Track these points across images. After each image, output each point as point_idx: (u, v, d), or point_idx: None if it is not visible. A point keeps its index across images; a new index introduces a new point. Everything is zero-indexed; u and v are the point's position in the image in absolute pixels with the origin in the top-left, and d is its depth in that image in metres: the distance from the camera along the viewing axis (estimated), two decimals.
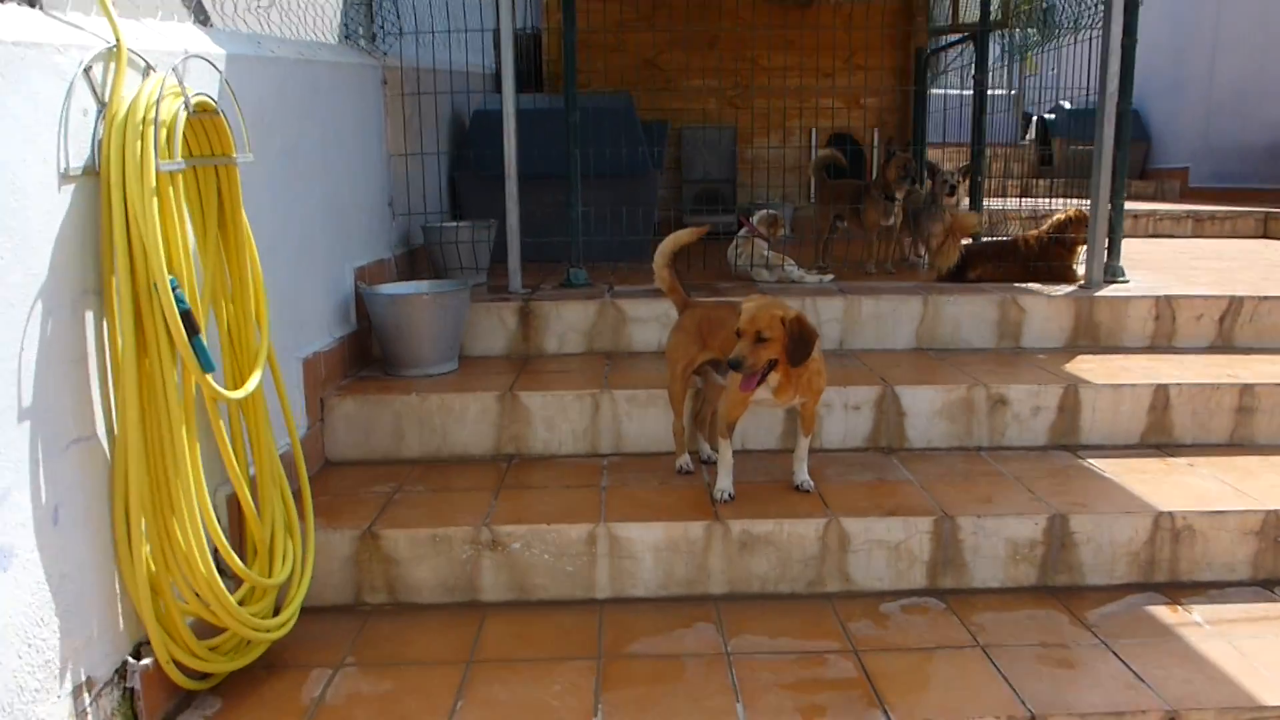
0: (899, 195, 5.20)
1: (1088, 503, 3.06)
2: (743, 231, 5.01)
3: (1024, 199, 7.49)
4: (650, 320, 4.22)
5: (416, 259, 5.07)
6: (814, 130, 8.06)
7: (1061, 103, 11.55)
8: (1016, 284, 4.62)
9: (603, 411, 3.59)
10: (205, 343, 2.25)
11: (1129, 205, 5.47)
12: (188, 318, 2.18)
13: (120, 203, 2.12)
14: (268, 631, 2.56)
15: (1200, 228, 7.81)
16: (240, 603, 2.49)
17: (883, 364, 3.99)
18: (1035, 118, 12.71)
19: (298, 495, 2.88)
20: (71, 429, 2.11)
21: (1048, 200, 6.50)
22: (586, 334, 4.24)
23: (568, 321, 4.22)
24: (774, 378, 2.94)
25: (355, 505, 3.15)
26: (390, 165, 4.67)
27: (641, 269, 5.25)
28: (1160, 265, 5.55)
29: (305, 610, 2.83)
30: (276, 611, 2.69)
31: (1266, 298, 4.27)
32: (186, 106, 2.28)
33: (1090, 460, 3.49)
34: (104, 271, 2.18)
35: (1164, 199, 10.49)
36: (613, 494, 3.19)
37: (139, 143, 2.12)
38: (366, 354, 4.15)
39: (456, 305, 3.91)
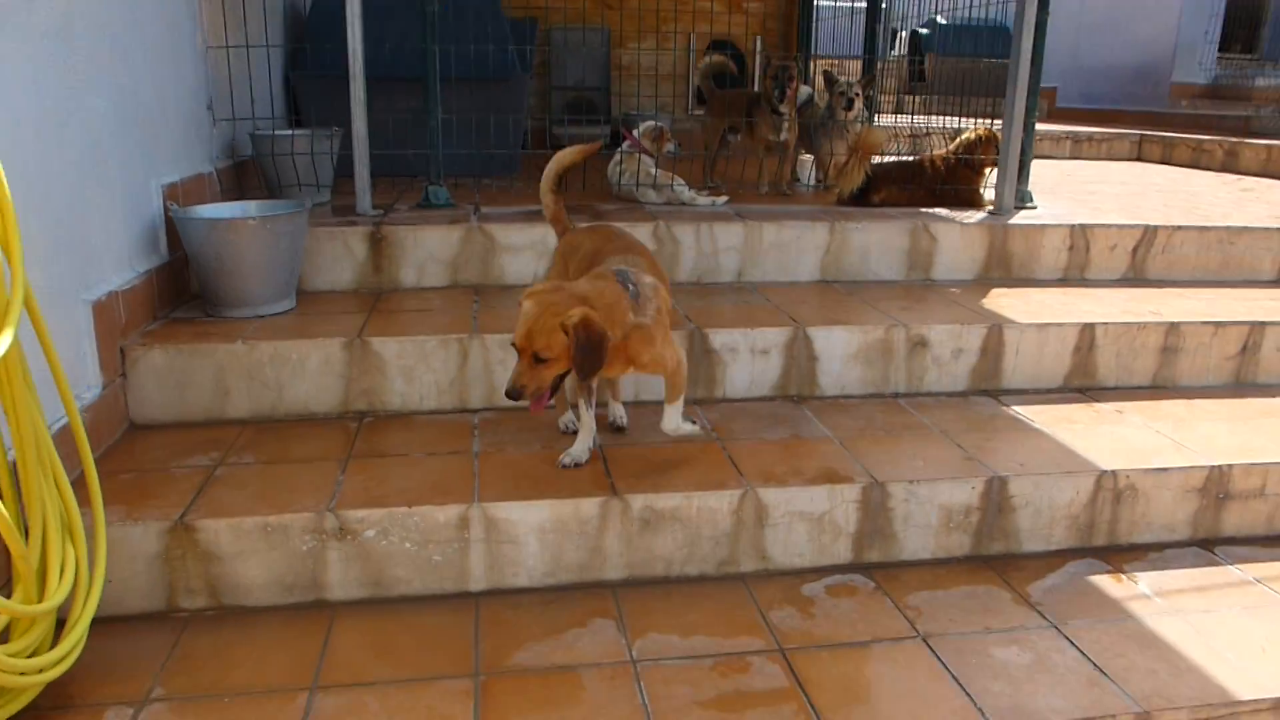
0: (785, 109, 4.73)
1: (1025, 461, 2.75)
2: (625, 146, 4.46)
3: (898, 116, 7.22)
4: (525, 249, 3.66)
5: (245, 174, 4.30)
6: (692, 35, 7.49)
7: (935, 16, 11.34)
8: (923, 209, 4.27)
9: (472, 359, 3.04)
10: None
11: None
12: None
13: None
14: (39, 672, 1.97)
15: (1078, 149, 7.72)
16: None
17: (788, 299, 3.57)
18: (905, 32, 12.48)
19: (81, 482, 2.24)
20: None
21: (924, 117, 6.22)
22: (450, 264, 3.64)
23: (428, 249, 3.61)
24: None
25: (165, 485, 2.52)
26: (209, 60, 3.87)
27: (511, 187, 4.69)
28: (1056, 190, 5.33)
29: (105, 620, 2.29)
30: (57, 638, 2.09)
31: (1180, 227, 4.06)
32: None
33: (1016, 408, 3.19)
34: None
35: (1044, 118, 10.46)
36: (487, 462, 2.67)
37: None
38: (183, 290, 3.44)
39: (292, 231, 3.24)
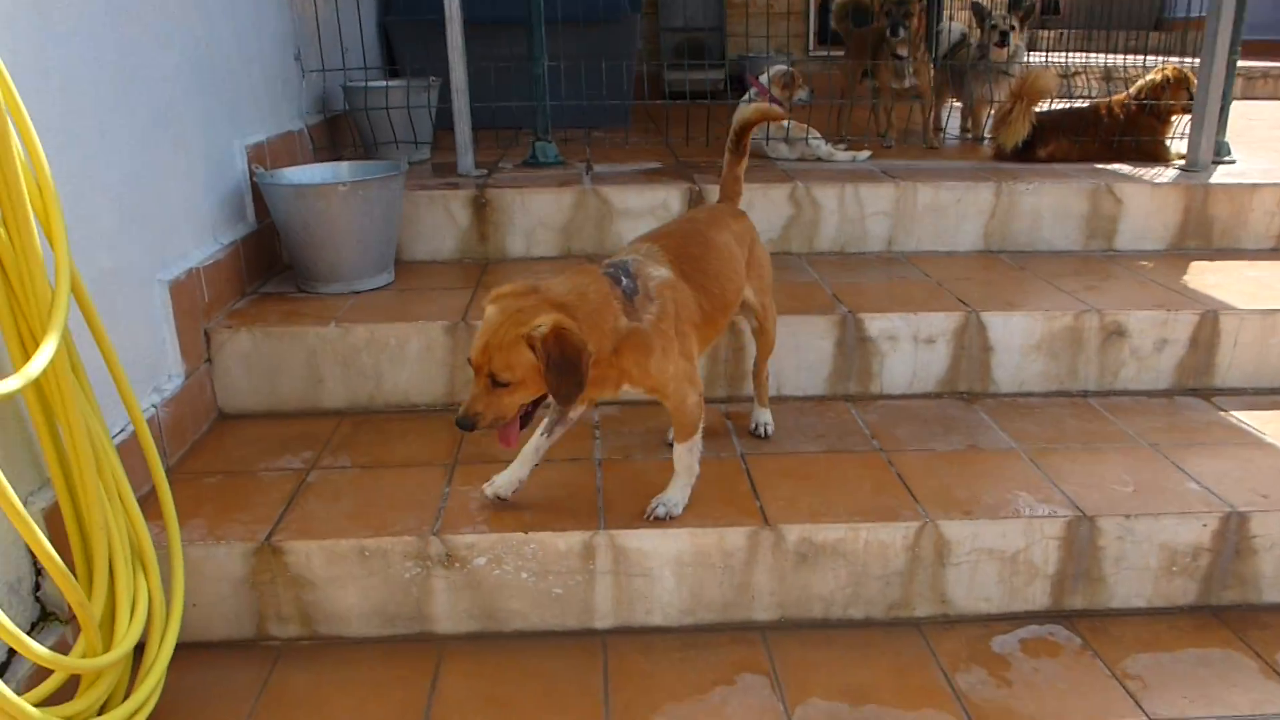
0: (904, 51, 4.14)
1: (1268, 490, 2.23)
2: (750, 93, 3.97)
3: (1030, 54, 6.49)
4: (644, 214, 3.24)
5: (338, 129, 3.97)
6: None
7: None
8: (1099, 165, 3.69)
9: None
10: None
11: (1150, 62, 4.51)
12: None
13: None
14: None
15: (1250, 87, 6.86)
16: (53, 700, 1.59)
17: (949, 274, 3.08)
18: None
19: (149, 500, 1.94)
20: None
21: (1061, 55, 5.54)
22: (562, 231, 3.24)
23: (537, 215, 3.22)
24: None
25: (253, 493, 2.22)
26: (295, 5, 3.51)
27: (624, 142, 4.25)
28: (1240, 139, 4.63)
29: (190, 647, 2.02)
30: (133, 680, 1.81)
31: None
32: None
33: (1235, 413, 2.66)
34: None
35: (1185, 52, 9.46)
36: (611, 474, 2.29)
37: None
38: (273, 259, 3.13)
39: (388, 198, 2.88)
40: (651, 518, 2.07)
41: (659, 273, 2.01)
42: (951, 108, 4.60)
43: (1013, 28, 4.10)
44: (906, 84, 4.21)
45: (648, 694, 1.92)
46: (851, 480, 2.26)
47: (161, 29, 2.44)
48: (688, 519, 2.08)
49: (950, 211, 3.29)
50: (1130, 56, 4.78)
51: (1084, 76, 5.34)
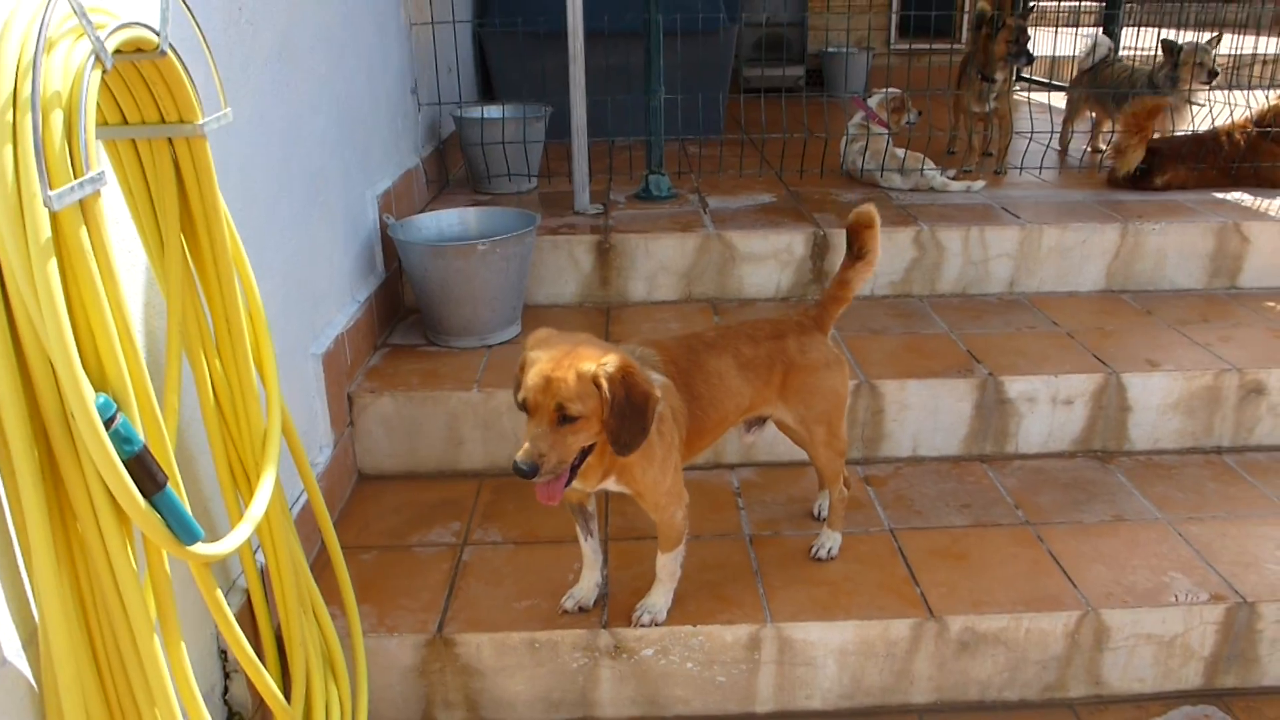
0: (999, 75, 3.97)
1: None
2: (857, 118, 3.90)
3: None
4: (767, 258, 3.23)
5: (446, 156, 3.99)
6: None
7: None
8: (1218, 193, 3.61)
9: None
10: (179, 493, 1.31)
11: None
12: (141, 464, 1.23)
13: None
14: None
15: None
16: None
17: (1076, 320, 3.04)
18: None
19: (319, 564, 2.01)
20: None
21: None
22: (684, 275, 3.25)
23: (659, 259, 3.22)
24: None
25: (412, 574, 2.27)
26: (413, 39, 3.52)
27: (724, 163, 4.19)
28: None
29: None
30: None
31: None
32: (100, 54, 1.22)
33: None
34: None
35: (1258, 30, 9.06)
36: (764, 552, 2.32)
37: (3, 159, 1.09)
38: (398, 304, 3.18)
39: (522, 253, 2.90)
40: (637, 625, 2.06)
41: (658, 377, 1.91)
42: (1072, 130, 4.48)
43: (1216, 61, 3.91)
44: (987, 107, 4.06)
45: None
46: (1006, 561, 2.27)
47: (312, 95, 2.46)
48: (853, 609, 2.11)
49: (1075, 253, 3.24)
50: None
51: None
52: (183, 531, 1.30)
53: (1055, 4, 5.69)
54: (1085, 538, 2.36)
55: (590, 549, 2.12)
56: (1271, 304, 3.20)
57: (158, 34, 1.34)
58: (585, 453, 1.77)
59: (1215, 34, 3.97)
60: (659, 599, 2.09)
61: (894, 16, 6.59)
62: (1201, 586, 2.17)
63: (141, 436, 1.25)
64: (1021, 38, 3.83)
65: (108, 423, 1.20)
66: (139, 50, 1.34)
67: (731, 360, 2.06)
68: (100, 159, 1.37)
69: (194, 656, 1.79)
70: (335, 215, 2.64)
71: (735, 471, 2.69)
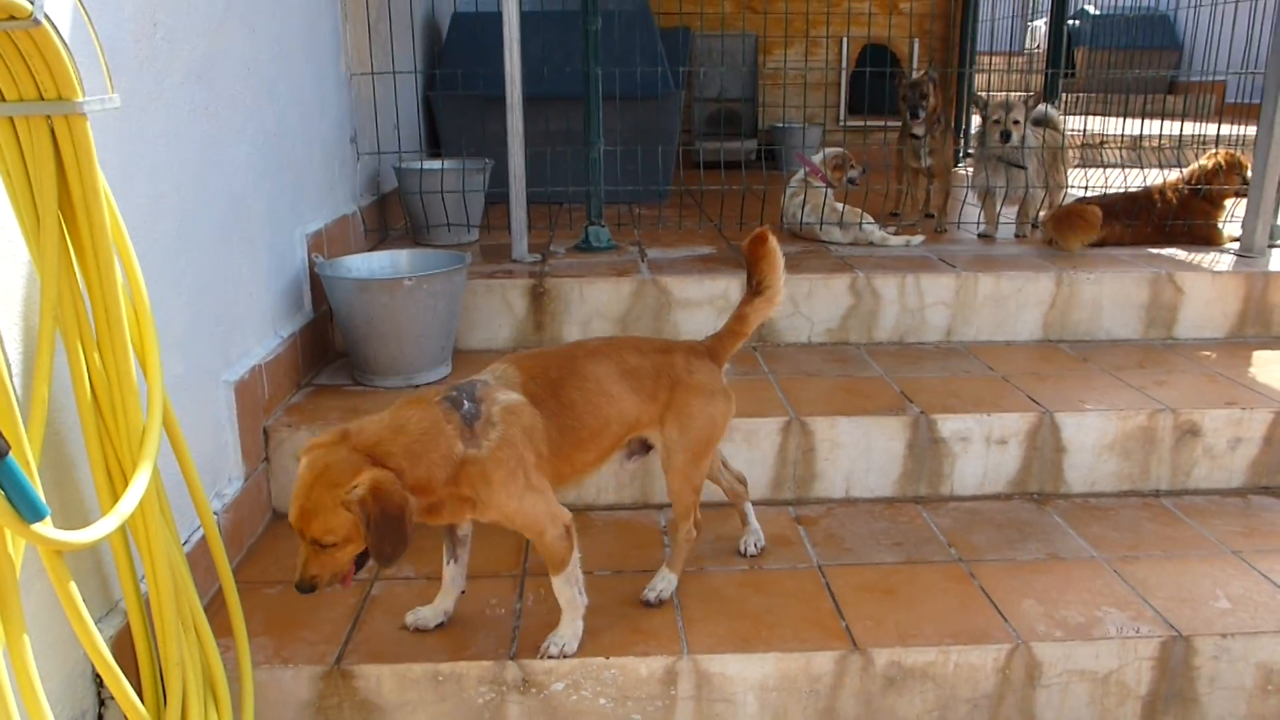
0: (919, 131, 4.11)
1: None
2: (800, 174, 3.95)
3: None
4: (703, 304, 3.21)
5: (388, 210, 3.98)
6: (845, 40, 6.92)
7: (1085, 7, 10.45)
8: (1152, 249, 3.66)
9: None
10: (25, 465, 1.22)
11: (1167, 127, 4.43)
12: None
13: None
14: None
15: None
16: None
17: (1012, 367, 3.03)
18: (1040, 23, 11.57)
19: (217, 603, 1.89)
20: None
21: (1079, 117, 5.49)
22: (619, 320, 3.21)
23: (594, 304, 3.19)
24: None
25: (315, 608, 2.16)
26: (353, 87, 3.54)
27: (669, 222, 4.23)
28: None
29: None
30: None
31: None
32: None
33: None
34: None
35: (1198, 117, 9.41)
36: (687, 588, 2.23)
37: None
38: (327, 346, 3.11)
39: (451, 290, 2.86)
40: (545, 657, 1.95)
41: (505, 397, 1.84)
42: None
43: (1016, 123, 3.95)
44: (923, 164, 4.17)
45: None
46: (936, 595, 2.19)
47: (236, 122, 2.44)
48: (774, 641, 2.02)
49: (1010, 301, 3.25)
50: (1150, 121, 4.74)
51: (1111, 146, 5.31)
52: (25, 508, 1.21)
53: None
54: (1018, 574, 2.29)
55: (449, 574, 2.05)
56: (1207, 353, 3.21)
57: (31, 1, 1.31)
58: (363, 556, 1.76)
59: (1032, 94, 4.06)
60: (566, 629, 1.98)
61: (843, 94, 6.77)
62: (1136, 621, 2.10)
63: None
64: (913, 94, 4.00)
65: None
66: (12, 18, 1.31)
67: (614, 366, 2.00)
68: None
69: (62, 679, 1.68)
70: (258, 246, 2.59)
71: (663, 511, 2.60)
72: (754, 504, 2.61)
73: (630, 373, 2.02)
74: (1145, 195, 3.81)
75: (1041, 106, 4.06)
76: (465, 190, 3.60)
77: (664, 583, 2.16)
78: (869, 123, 5.88)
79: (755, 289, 2.11)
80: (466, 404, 1.80)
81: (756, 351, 3.19)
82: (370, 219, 3.67)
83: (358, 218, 3.53)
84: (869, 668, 2.00)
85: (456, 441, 1.75)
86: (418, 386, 2.84)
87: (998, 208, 3.99)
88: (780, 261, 2.10)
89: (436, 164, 3.79)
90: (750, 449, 2.61)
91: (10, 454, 1.18)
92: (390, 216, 4.01)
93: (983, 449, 2.65)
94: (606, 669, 1.97)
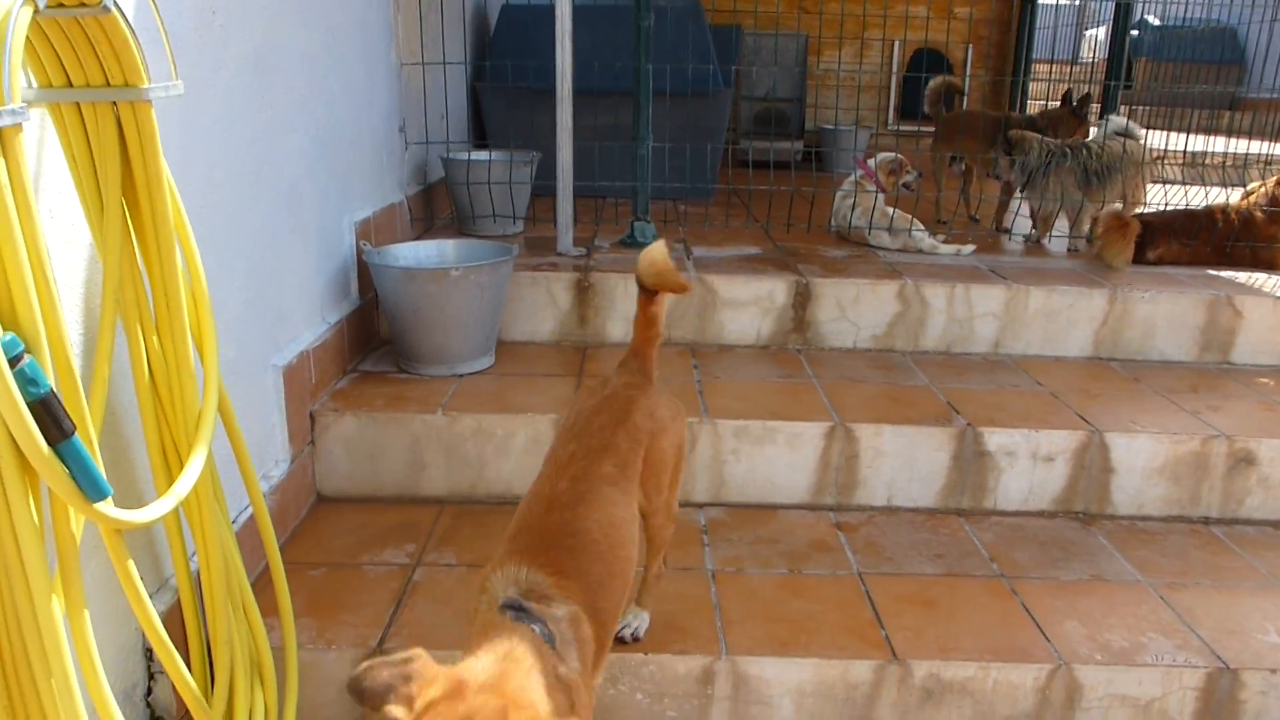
0: (1001, 175, 3.99)
1: None
2: (853, 176, 3.92)
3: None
4: (749, 304, 3.19)
5: (434, 199, 4.00)
6: (897, 44, 6.85)
7: (1147, 17, 10.27)
8: (1211, 270, 3.59)
9: (700, 447, 2.60)
10: (89, 445, 1.24)
11: (1230, 145, 4.32)
12: (47, 409, 1.17)
13: None
14: None
15: None
16: None
17: (1061, 383, 2.99)
18: (1098, 31, 11.38)
19: (263, 581, 1.91)
20: None
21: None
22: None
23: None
24: None
25: (359, 591, 2.18)
26: (402, 77, 3.55)
27: (715, 221, 4.21)
28: None
29: None
30: None
31: None
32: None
33: None
34: None
35: (1263, 135, 9.22)
36: (726, 588, 2.22)
37: None
38: (372, 333, 3.13)
39: (497, 282, 2.87)
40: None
41: (560, 611, 1.49)
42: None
43: (1006, 163, 3.87)
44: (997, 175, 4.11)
45: None
46: (977, 610, 2.16)
47: (289, 111, 2.45)
48: (813, 647, 2.00)
49: (1061, 316, 3.20)
50: (1211, 137, 4.65)
51: (1171, 162, 5.21)
52: (89, 487, 1.23)
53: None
54: (1061, 594, 2.25)
55: None
56: (1265, 380, 3.14)
57: None
58: None
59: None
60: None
61: (893, 97, 6.71)
62: (1182, 650, 2.07)
63: (50, 382, 1.19)
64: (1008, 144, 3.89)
65: (13, 361, 1.15)
66: (82, 4, 1.32)
67: (612, 491, 1.68)
68: (22, 95, 1.35)
69: (115, 652, 1.71)
70: (308, 233, 2.61)
71: (704, 510, 2.60)
72: (793, 508, 2.62)
73: (622, 472, 1.72)
74: (1206, 214, 3.74)
75: (1121, 119, 3.99)
76: (512, 182, 3.60)
77: (638, 620, 2.01)
78: (919, 129, 5.81)
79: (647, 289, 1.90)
80: (537, 625, 1.44)
81: (801, 354, 3.17)
82: (416, 208, 3.69)
83: (404, 206, 3.55)
84: (907, 679, 1.98)
85: (558, 665, 1.44)
86: (461, 376, 2.86)
87: (1054, 217, 3.93)
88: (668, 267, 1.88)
89: (484, 155, 3.80)
90: (793, 452, 2.59)
91: (76, 434, 1.20)
92: (436, 206, 4.03)
93: (1029, 465, 2.61)
94: (645, 665, 1.97)
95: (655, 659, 1.97)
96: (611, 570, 1.62)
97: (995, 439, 2.59)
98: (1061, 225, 3.98)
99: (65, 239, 1.55)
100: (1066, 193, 3.80)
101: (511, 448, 2.59)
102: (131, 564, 1.41)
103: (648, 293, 1.91)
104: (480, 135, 4.65)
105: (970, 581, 2.29)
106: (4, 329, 1.16)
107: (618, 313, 3.19)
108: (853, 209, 3.78)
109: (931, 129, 4.62)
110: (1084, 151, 3.78)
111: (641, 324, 1.95)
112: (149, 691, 1.80)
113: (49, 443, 1.18)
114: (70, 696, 1.26)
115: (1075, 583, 2.31)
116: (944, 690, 2.00)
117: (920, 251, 3.64)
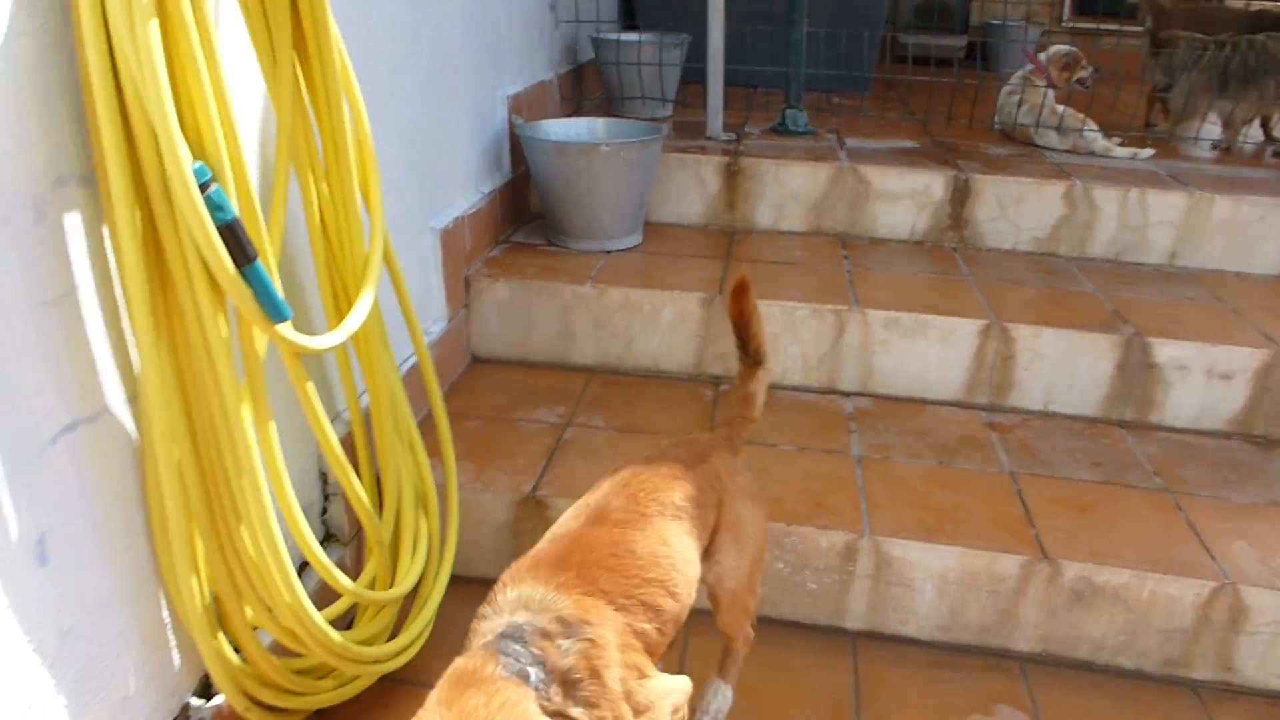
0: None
1: None
2: (1021, 71, 3.69)
3: None
4: (904, 198, 3.08)
5: (584, 79, 3.96)
6: None
7: None
8: None
9: (848, 336, 2.55)
10: (269, 271, 1.29)
11: None
12: (233, 234, 1.21)
13: (97, 26, 1.13)
14: (380, 662, 1.73)
15: None
16: (348, 624, 1.67)
17: (1246, 300, 2.78)
18: None
19: (425, 426, 1.99)
20: (59, 409, 1.20)
21: None
22: (814, 207, 3.12)
23: (789, 188, 3.11)
24: None
25: (514, 443, 2.25)
26: None
27: (871, 113, 4.05)
28: None
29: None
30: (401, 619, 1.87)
31: None
32: None
33: None
34: (93, 145, 1.21)
35: None
36: (871, 473, 2.20)
37: None
38: (523, 207, 3.15)
39: (647, 160, 2.83)
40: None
41: (571, 644, 1.22)
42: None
43: None
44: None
45: (902, 709, 1.84)
46: (1136, 520, 2.08)
47: None
48: (959, 536, 1.97)
49: (1250, 229, 2.97)
50: None
51: None
52: (271, 309, 1.28)
53: None
54: (1231, 515, 2.14)
55: None
56: None
57: None
58: None
59: None
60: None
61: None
62: None
63: (235, 209, 1.23)
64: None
65: (202, 188, 1.19)
66: None
67: (671, 524, 1.44)
68: None
69: (294, 474, 1.79)
70: (462, 102, 2.62)
71: (850, 399, 2.56)
72: (943, 404, 2.56)
73: (691, 507, 1.48)
74: None
75: None
76: (662, 64, 3.53)
77: (719, 699, 1.74)
78: (1099, 26, 5.40)
79: (754, 357, 1.66)
80: (533, 672, 1.19)
81: (956, 252, 3.05)
82: (566, 87, 3.66)
83: (554, 85, 3.53)
84: (1056, 578, 1.94)
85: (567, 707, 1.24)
86: (610, 252, 2.86)
87: (1195, 120, 3.64)
88: (759, 314, 1.67)
89: (634, 36, 3.72)
90: (945, 348, 2.51)
91: (258, 260, 1.24)
92: (586, 87, 3.99)
93: (1202, 381, 2.47)
94: (787, 535, 1.98)
95: (798, 530, 1.98)
96: (659, 607, 1.35)
97: (1166, 350, 2.45)
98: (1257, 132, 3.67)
99: (240, 92, 1.58)
100: (1195, 94, 3.51)
101: (659, 322, 2.59)
102: (311, 386, 1.47)
103: (749, 364, 1.67)
104: (630, 16, 4.56)
105: (1130, 492, 2.19)
106: (193, 160, 1.20)
107: (767, 200, 3.12)
108: (1019, 105, 3.57)
109: (1113, 27, 4.29)
110: (1227, 49, 3.46)
111: (738, 401, 1.69)
112: (324, 511, 1.91)
113: (235, 265, 1.22)
114: (258, 491, 1.34)
115: (1249, 506, 2.19)
116: (1095, 594, 1.94)
117: (1092, 154, 3.42)
